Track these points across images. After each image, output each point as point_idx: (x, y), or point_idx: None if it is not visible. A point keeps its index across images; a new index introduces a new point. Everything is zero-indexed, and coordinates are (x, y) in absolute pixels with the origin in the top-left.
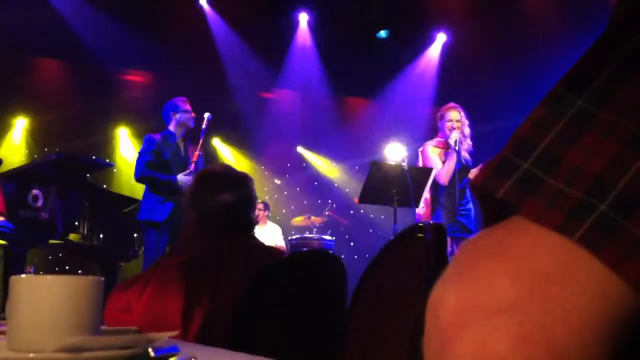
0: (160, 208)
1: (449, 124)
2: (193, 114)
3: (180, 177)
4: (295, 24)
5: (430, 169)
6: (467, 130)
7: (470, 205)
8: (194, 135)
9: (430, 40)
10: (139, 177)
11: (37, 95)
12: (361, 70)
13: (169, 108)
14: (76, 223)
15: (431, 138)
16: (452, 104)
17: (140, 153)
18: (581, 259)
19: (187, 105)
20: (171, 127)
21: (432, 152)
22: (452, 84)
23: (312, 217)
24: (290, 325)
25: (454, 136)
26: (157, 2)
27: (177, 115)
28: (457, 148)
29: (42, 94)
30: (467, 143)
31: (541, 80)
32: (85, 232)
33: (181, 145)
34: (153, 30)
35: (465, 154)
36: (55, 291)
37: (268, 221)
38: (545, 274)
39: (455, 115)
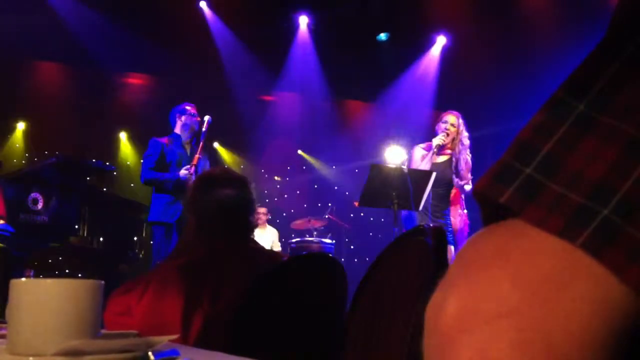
0: (170, 209)
1: (442, 126)
2: (198, 118)
3: (183, 171)
4: (295, 27)
5: (431, 172)
6: (466, 141)
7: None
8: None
9: (430, 43)
10: (144, 180)
11: (38, 98)
12: (361, 73)
13: (176, 111)
14: (76, 226)
15: (430, 141)
16: (453, 111)
17: (145, 157)
18: (583, 264)
19: (194, 110)
20: (177, 130)
21: (415, 153)
22: (451, 87)
23: (312, 220)
24: (290, 329)
25: (437, 139)
26: (158, 5)
27: (183, 118)
28: (435, 150)
29: (42, 97)
30: (467, 155)
31: (541, 84)
32: (85, 235)
33: (187, 148)
34: (153, 33)
35: (463, 162)
36: (55, 295)
37: (267, 225)
38: (547, 280)
39: (452, 119)
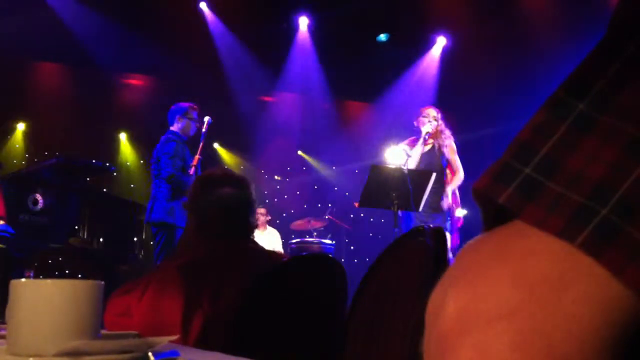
0: (181, 212)
1: (425, 119)
2: (198, 123)
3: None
4: (295, 28)
5: (431, 172)
6: (447, 131)
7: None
8: (194, 139)
9: (430, 44)
10: (168, 175)
11: (38, 99)
12: (361, 73)
13: (177, 111)
14: (76, 227)
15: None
16: (430, 106)
17: (170, 154)
18: (582, 264)
19: (196, 113)
20: (175, 129)
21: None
22: (451, 88)
23: (312, 221)
24: (290, 330)
25: (427, 127)
26: (158, 6)
27: (183, 120)
28: (425, 137)
29: (42, 98)
30: (449, 145)
31: (541, 85)
32: (86, 236)
33: (187, 149)
34: (153, 34)
35: (448, 154)
36: (56, 295)
37: (268, 226)
38: (546, 280)
39: (433, 112)
